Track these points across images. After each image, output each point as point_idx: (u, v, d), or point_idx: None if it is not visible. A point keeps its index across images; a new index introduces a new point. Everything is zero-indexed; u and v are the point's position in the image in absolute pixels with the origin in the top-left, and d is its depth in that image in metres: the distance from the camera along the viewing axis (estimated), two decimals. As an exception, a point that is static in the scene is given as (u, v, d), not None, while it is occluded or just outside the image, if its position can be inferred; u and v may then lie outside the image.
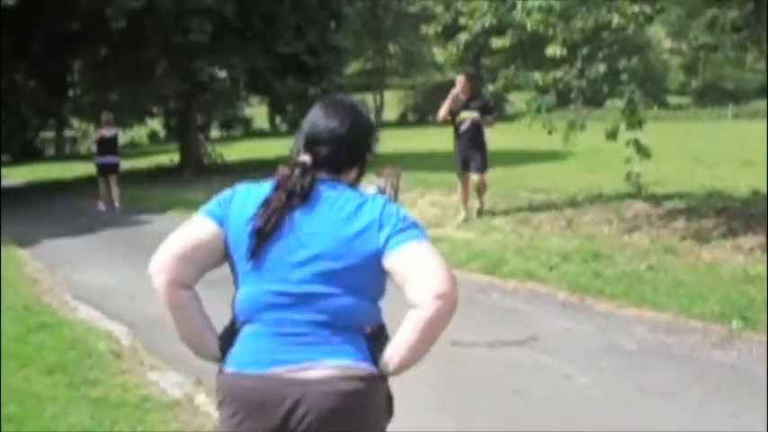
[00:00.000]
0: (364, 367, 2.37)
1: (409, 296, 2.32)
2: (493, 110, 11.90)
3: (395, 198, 10.87)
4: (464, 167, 11.60)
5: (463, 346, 6.17)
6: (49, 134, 50.45)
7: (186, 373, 5.99)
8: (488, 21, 9.92)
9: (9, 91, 22.86)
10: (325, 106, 2.56)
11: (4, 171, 36.29)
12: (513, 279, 8.18)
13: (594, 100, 10.34)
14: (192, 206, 11.58)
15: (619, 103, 9.31)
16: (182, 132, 27.74)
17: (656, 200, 11.07)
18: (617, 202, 11.22)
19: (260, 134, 54.38)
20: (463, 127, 11.55)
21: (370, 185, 10.06)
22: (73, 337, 6.93)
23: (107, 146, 16.68)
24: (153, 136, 55.27)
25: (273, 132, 55.52)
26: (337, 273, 2.33)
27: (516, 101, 39.32)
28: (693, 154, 18.73)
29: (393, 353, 2.40)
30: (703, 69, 61.74)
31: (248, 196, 2.42)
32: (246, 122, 57.24)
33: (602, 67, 9.04)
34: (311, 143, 2.48)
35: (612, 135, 9.29)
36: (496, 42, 10.40)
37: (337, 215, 2.35)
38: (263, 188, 2.43)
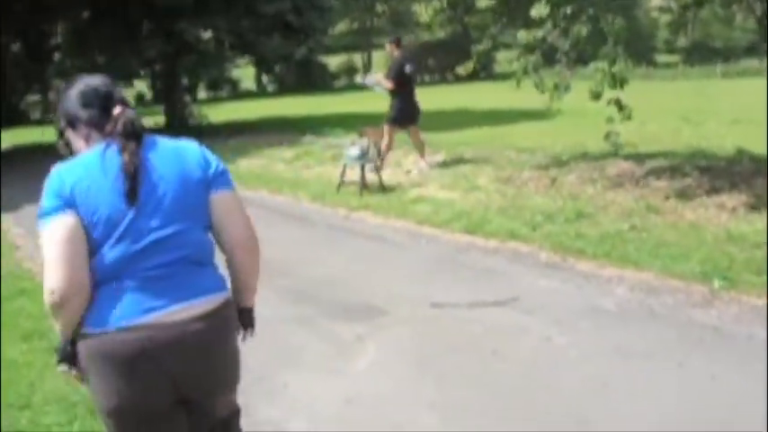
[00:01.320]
0: (227, 294, 2.65)
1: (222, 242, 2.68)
2: (393, 74, 12.54)
3: (378, 157, 10.85)
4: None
5: (442, 307, 6.15)
6: (35, 98, 50.08)
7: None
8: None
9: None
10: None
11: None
12: (495, 239, 8.13)
13: (581, 59, 10.21)
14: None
15: (603, 65, 9.20)
16: (167, 94, 27.53)
17: (640, 159, 11.03)
18: (601, 162, 11.16)
19: (247, 95, 54.17)
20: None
21: (354, 146, 10.01)
22: (50, 302, 6.85)
23: None
24: (140, 98, 54.88)
25: (261, 93, 55.33)
26: (186, 210, 2.54)
27: (503, 60, 39.19)
28: (681, 113, 18.67)
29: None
30: (692, 27, 61.47)
31: (76, 168, 2.49)
32: (233, 83, 56.90)
33: (585, 29, 8.94)
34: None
35: (596, 96, 9.20)
36: (482, 1, 10.25)
37: (170, 160, 2.56)
38: (85, 159, 2.52)
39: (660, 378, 4.60)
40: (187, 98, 28.77)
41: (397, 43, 13.07)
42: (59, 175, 2.48)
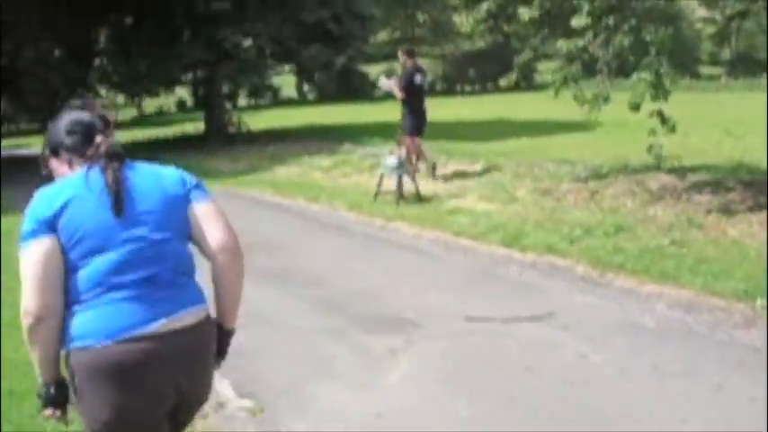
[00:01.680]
0: (207, 308, 2.71)
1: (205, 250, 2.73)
2: (403, 84, 12.73)
3: (415, 167, 10.79)
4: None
5: (477, 321, 6.06)
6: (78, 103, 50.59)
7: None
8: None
9: (37, 61, 22.89)
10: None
11: (32, 140, 36.57)
12: (532, 252, 8.02)
13: (622, 70, 10.07)
14: (214, 175, 11.66)
15: (645, 75, 9.06)
16: (207, 101, 27.68)
17: (681, 172, 10.84)
18: (642, 175, 10.99)
19: (288, 103, 54.30)
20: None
21: (391, 156, 9.95)
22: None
23: None
24: (181, 105, 55.31)
25: (301, 101, 55.46)
26: (169, 222, 2.64)
27: (545, 71, 38.92)
28: (723, 125, 18.35)
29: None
30: (736, 39, 60.64)
31: (59, 190, 2.58)
32: (274, 91, 57.10)
33: (627, 39, 8.80)
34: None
35: (636, 107, 9.05)
36: (523, 12, 10.17)
37: (150, 179, 2.67)
38: (69, 180, 2.62)
39: (698, 399, 4.48)
40: (227, 105, 28.89)
41: (410, 54, 13.26)
42: (42, 199, 2.57)
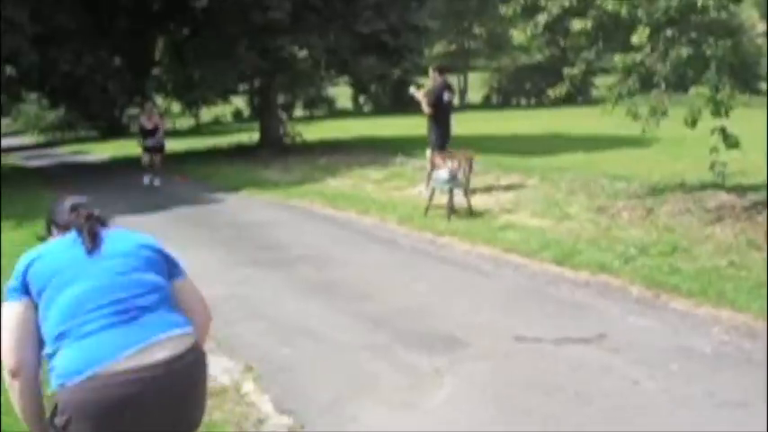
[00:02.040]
0: (190, 332, 2.72)
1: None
2: (432, 100, 13.09)
3: (467, 182, 10.66)
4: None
5: (527, 342, 5.90)
6: (135, 111, 51.39)
7: (237, 359, 5.86)
8: (567, 1, 9.54)
9: (96, 69, 23.19)
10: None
11: (90, 147, 37.18)
12: (585, 271, 7.82)
13: (681, 85, 9.83)
14: (265, 186, 11.69)
15: (704, 90, 8.82)
16: (262, 111, 27.81)
17: (741, 191, 10.54)
18: (700, 192, 10.72)
19: (343, 114, 54.41)
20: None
21: (442, 169, 9.82)
22: (129, 318, 6.84)
23: (150, 133, 18.40)
24: (237, 114, 55.72)
25: (357, 112, 55.52)
26: (145, 261, 2.79)
27: (602, 85, 38.44)
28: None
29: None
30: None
31: (42, 248, 2.78)
32: (330, 102, 57.25)
33: (685, 51, 8.57)
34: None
35: (692, 123, 8.82)
36: (576, 24, 10.00)
37: (128, 235, 2.91)
38: (54, 241, 2.87)
39: (755, 430, 4.28)
40: (283, 115, 28.96)
41: (441, 71, 13.73)
42: (26, 258, 2.73)
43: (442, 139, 13.06)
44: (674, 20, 8.72)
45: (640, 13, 8.66)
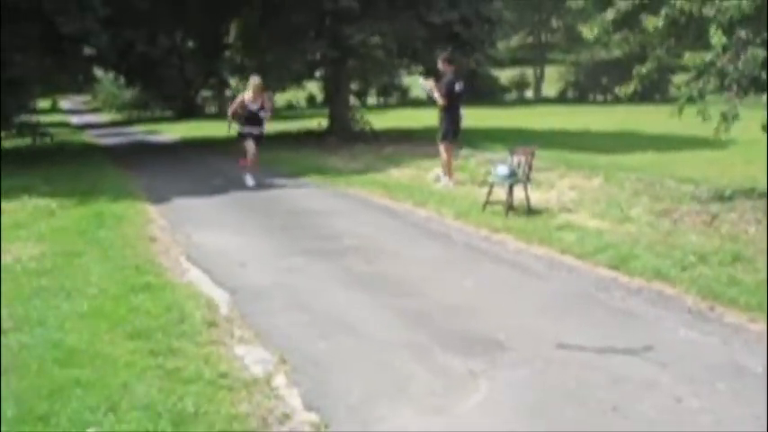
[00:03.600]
0: None
1: None
2: (443, 90, 13.44)
3: (527, 177, 10.42)
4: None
5: (570, 350, 5.69)
6: (209, 93, 51.99)
7: (273, 350, 5.77)
8: (638, -2, 9.24)
9: (172, 50, 23.51)
10: None
11: (163, 127, 37.69)
12: (640, 277, 7.53)
13: (758, 86, 9.43)
14: (328, 173, 11.65)
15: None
16: (332, 98, 27.80)
17: (814, 200, 10.09)
18: (770, 200, 10.30)
19: (416, 103, 54.18)
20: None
21: (502, 165, 9.61)
22: (172, 301, 6.85)
23: (254, 117, 14.95)
24: (311, 99, 55.92)
25: (431, 102, 55.28)
26: None
27: (680, 83, 37.45)
28: None
29: None
30: None
31: None
32: (403, 91, 57.10)
33: (760, 54, 8.19)
34: None
35: (766, 128, 8.45)
36: (649, 22, 9.67)
37: None
38: None
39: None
40: (353, 102, 28.92)
41: (450, 61, 13.94)
42: None
43: (453, 129, 13.57)
44: (748, 18, 8.33)
45: (713, 11, 8.29)
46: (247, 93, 15.11)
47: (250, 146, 14.82)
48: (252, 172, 14.78)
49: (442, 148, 13.73)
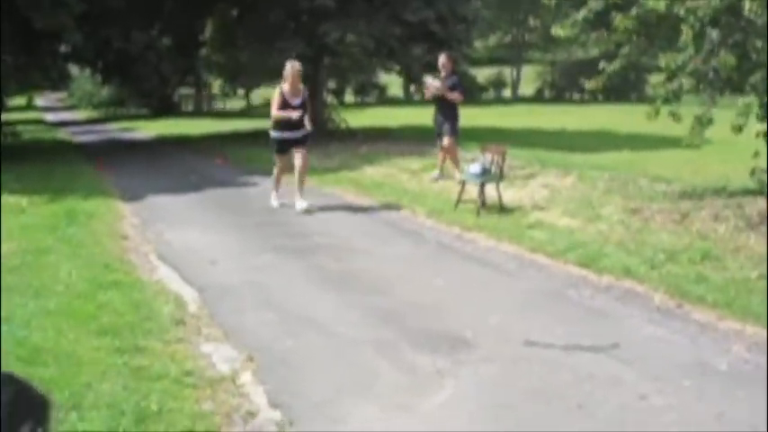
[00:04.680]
0: None
1: None
2: (458, 87, 13.56)
3: (500, 176, 10.42)
4: (438, 134, 13.83)
5: (536, 347, 5.70)
6: (187, 91, 51.78)
7: (241, 348, 5.74)
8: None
9: (148, 47, 23.37)
10: None
11: (138, 124, 37.49)
12: (609, 275, 7.54)
13: (736, 86, 9.47)
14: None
15: (749, 100, 8.46)
16: (308, 95, 27.69)
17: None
18: (740, 198, 10.35)
19: (394, 102, 54.20)
20: (427, 95, 14.11)
21: (475, 163, 9.60)
22: (140, 299, 6.81)
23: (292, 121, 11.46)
24: (286, 97, 55.73)
25: (407, 100, 55.25)
26: None
27: (657, 83, 37.60)
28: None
29: None
30: None
31: None
32: (381, 89, 57.09)
33: (731, 57, 8.21)
34: None
35: (738, 129, 8.47)
36: (619, 21, 9.69)
37: None
38: None
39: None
40: (328, 101, 28.84)
41: (454, 58, 14.33)
42: None
43: (457, 124, 13.67)
44: (716, 20, 8.36)
45: (683, 11, 8.31)
46: (284, 84, 11.63)
47: (285, 159, 11.74)
48: (278, 189, 11.99)
49: (447, 143, 13.54)
